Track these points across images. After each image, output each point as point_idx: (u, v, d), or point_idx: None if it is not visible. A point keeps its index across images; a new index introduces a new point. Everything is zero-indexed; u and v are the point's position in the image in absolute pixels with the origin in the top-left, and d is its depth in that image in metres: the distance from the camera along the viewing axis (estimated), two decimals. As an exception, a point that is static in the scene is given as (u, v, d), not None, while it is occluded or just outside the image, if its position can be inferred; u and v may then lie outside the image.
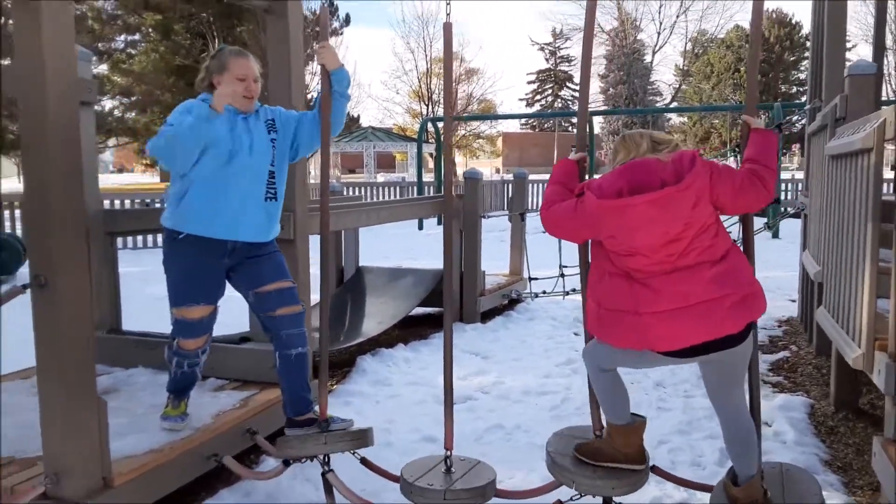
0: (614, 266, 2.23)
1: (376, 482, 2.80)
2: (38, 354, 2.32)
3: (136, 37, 30.14)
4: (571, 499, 2.47)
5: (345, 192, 11.73)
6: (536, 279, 7.30)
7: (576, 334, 5.74)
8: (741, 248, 2.34)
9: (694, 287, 2.12)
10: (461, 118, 30.62)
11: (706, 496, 2.48)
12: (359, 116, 40.73)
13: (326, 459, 2.75)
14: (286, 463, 2.82)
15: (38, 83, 2.23)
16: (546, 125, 54.54)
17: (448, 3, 2.68)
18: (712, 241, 2.17)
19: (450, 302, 2.78)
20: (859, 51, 37.68)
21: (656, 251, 2.14)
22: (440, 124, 20.21)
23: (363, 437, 2.76)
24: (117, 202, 12.62)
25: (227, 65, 2.74)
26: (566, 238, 2.41)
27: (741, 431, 2.31)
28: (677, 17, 46.22)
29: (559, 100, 58.04)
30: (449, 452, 2.62)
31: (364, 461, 2.82)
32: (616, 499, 2.48)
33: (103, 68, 28.03)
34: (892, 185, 12.83)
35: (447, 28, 2.73)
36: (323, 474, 2.73)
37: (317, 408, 2.82)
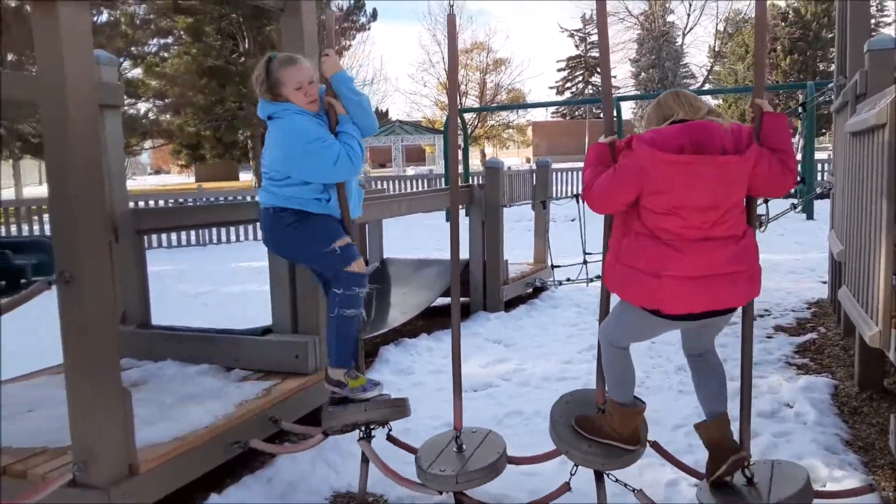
0: (644, 226, 2.28)
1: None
2: (64, 348, 2.42)
3: (169, 40, 30.66)
4: (571, 473, 2.58)
5: (372, 185, 11.85)
6: (560, 266, 7.29)
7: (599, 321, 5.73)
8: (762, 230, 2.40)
9: (720, 258, 2.21)
10: (488, 108, 30.49)
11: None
12: (387, 111, 40.88)
13: (367, 430, 2.88)
14: (325, 434, 2.95)
15: (57, 87, 2.32)
16: (577, 112, 54.04)
17: (451, 4, 2.73)
18: (740, 216, 2.28)
19: (457, 287, 2.85)
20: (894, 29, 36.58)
21: (695, 215, 2.20)
22: (468, 116, 20.19)
23: (402, 406, 2.93)
24: (151, 202, 12.91)
25: (281, 79, 2.83)
26: (609, 209, 2.43)
27: (715, 371, 2.56)
28: (708, -3, 45.33)
29: (590, 86, 57.39)
30: (458, 433, 2.70)
31: (390, 437, 2.97)
32: (618, 475, 2.58)
33: (137, 72, 28.60)
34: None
35: (451, 20, 2.78)
36: (359, 439, 2.86)
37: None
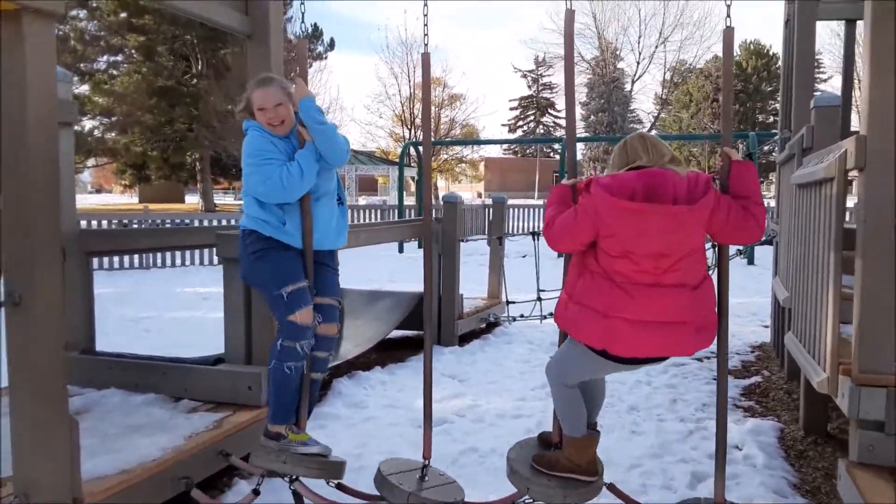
0: (600, 266, 2.31)
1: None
2: (10, 372, 2.31)
3: (119, 58, 30.11)
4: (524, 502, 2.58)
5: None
6: (514, 303, 7.34)
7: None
8: (712, 274, 2.43)
9: (670, 306, 2.22)
10: (443, 143, 30.80)
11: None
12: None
13: (295, 477, 2.78)
14: (255, 492, 2.81)
15: (18, 104, 2.24)
16: (528, 151, 55.03)
17: (426, 34, 2.76)
18: (696, 265, 2.28)
19: (430, 317, 2.84)
20: (833, 83, 38.62)
21: (647, 260, 2.22)
22: (422, 148, 20.37)
23: (337, 469, 2.81)
24: (94, 222, 12.51)
25: (251, 98, 2.88)
26: (568, 248, 2.46)
27: (602, 389, 2.72)
28: (656, 47, 47.06)
29: (541, 126, 58.68)
30: (427, 462, 2.67)
31: (340, 486, 2.86)
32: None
33: (84, 88, 27.92)
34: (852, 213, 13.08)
35: (425, 58, 2.81)
36: (290, 486, 2.78)
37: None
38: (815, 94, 4.74)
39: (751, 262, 12.83)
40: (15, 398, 2.32)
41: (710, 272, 2.41)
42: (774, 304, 5.67)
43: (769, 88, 46.54)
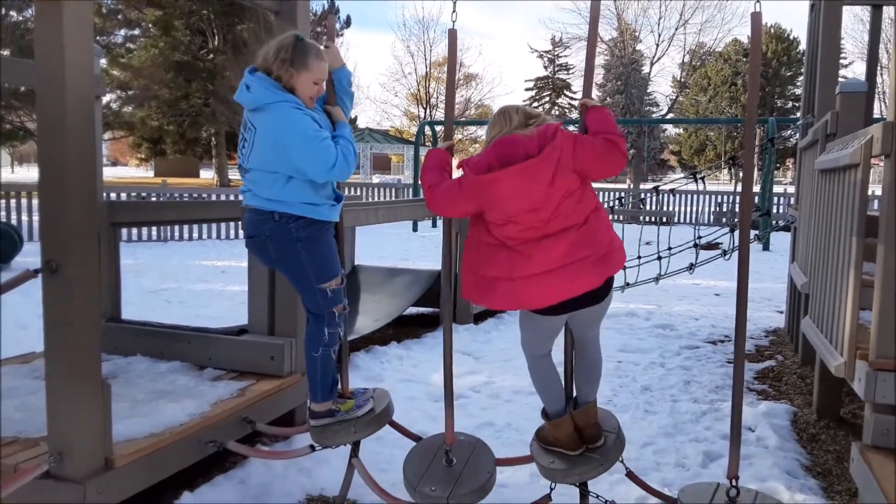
0: (491, 236, 2.41)
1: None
2: (46, 338, 2.38)
3: (136, 32, 30.17)
4: (551, 486, 2.63)
5: (345, 192, 11.83)
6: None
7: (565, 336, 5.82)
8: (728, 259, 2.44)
9: (558, 251, 2.31)
10: (458, 122, 30.67)
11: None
12: (356, 118, 40.82)
13: (356, 446, 2.88)
14: (312, 447, 2.90)
15: (57, 76, 2.30)
16: (542, 132, 54.53)
17: (454, 11, 2.77)
18: (575, 206, 2.34)
19: (448, 296, 2.88)
20: (855, 68, 38.05)
21: (525, 218, 2.32)
22: (438, 128, 20.30)
23: (386, 412, 2.96)
24: (113, 195, 12.63)
25: (309, 65, 2.64)
26: (453, 215, 2.59)
27: (591, 362, 2.66)
28: (676, 29, 46.45)
29: (556, 107, 58.25)
30: (448, 447, 2.70)
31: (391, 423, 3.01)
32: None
33: (102, 62, 27.99)
34: (877, 200, 12.96)
35: (452, 35, 2.83)
36: (352, 458, 2.87)
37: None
38: (840, 80, 4.72)
39: (766, 247, 12.78)
40: (50, 362, 2.40)
41: (727, 258, 2.43)
42: (790, 290, 5.68)
43: (789, 73, 45.94)
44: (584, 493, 2.63)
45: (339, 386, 2.97)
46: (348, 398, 2.93)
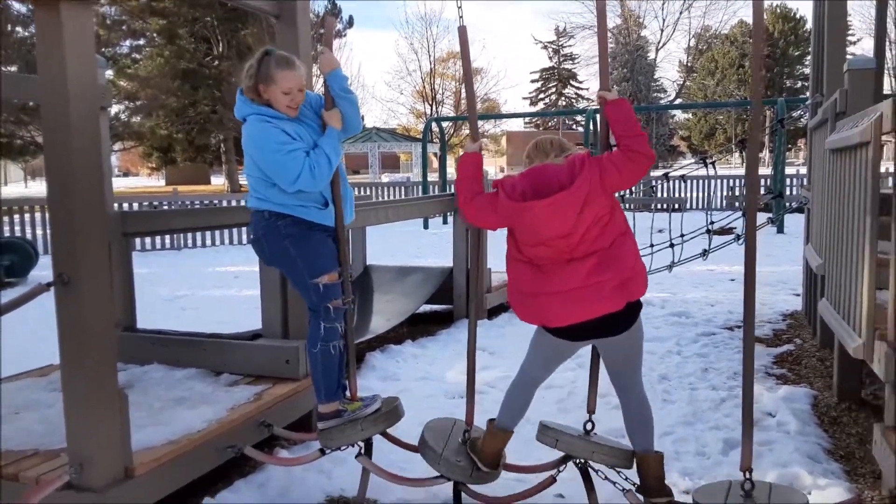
0: (521, 254, 2.52)
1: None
2: (61, 350, 2.40)
3: (141, 42, 30.34)
4: (558, 469, 2.74)
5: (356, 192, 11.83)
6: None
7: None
8: (741, 244, 2.45)
9: (581, 272, 2.39)
10: (463, 118, 30.64)
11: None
12: (363, 117, 40.85)
13: (365, 445, 2.89)
14: (322, 451, 2.90)
15: (60, 89, 2.31)
16: (550, 123, 54.55)
17: (459, 6, 2.76)
18: (602, 231, 2.42)
19: (475, 292, 2.88)
20: (864, 45, 37.60)
21: (555, 243, 2.41)
22: (445, 124, 20.27)
23: (395, 412, 2.94)
24: (125, 205, 12.73)
25: (273, 77, 2.71)
26: (486, 227, 2.74)
27: (636, 413, 2.65)
28: (680, 13, 46.28)
29: (563, 98, 58.04)
30: (468, 427, 2.82)
31: (385, 434, 3.00)
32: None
33: (108, 73, 28.18)
34: (891, 177, 12.81)
35: (462, 32, 2.82)
36: (357, 456, 2.87)
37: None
38: (848, 57, 4.66)
39: (780, 230, 12.68)
40: (67, 374, 2.42)
41: (741, 242, 2.44)
42: (806, 272, 5.62)
43: (796, 53, 45.53)
44: (587, 475, 2.69)
45: (348, 392, 2.97)
46: (356, 401, 2.93)
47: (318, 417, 2.92)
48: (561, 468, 2.73)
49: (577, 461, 2.70)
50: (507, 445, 2.79)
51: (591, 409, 2.81)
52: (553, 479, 2.71)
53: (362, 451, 2.88)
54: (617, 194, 2.55)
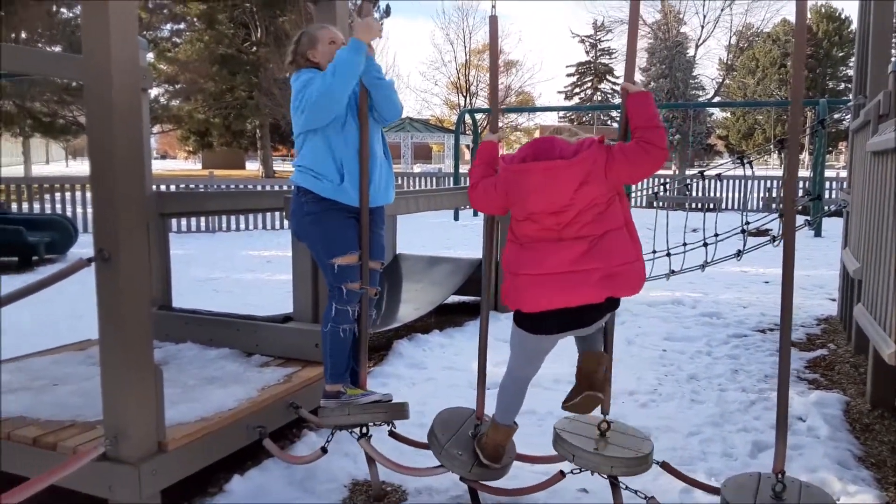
0: (513, 234, 2.46)
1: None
2: (100, 324, 2.46)
3: (182, 26, 30.69)
4: (572, 471, 2.67)
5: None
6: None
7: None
8: (634, 230, 2.41)
9: (566, 257, 2.30)
10: (505, 110, 30.53)
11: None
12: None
13: (365, 430, 2.90)
14: (323, 450, 2.93)
15: (104, 70, 2.36)
16: (585, 118, 54.10)
17: (493, 4, 2.76)
18: (595, 218, 2.32)
19: (489, 279, 2.89)
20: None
21: (546, 218, 2.34)
22: (478, 116, 20.21)
23: (400, 410, 2.92)
24: (163, 187, 12.95)
25: (316, 36, 2.98)
26: (490, 212, 2.67)
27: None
28: (722, 10, 45.40)
29: (598, 93, 57.45)
30: (479, 421, 2.82)
31: (392, 433, 3.00)
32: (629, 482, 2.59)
33: (149, 56, 28.59)
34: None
35: (493, 22, 2.81)
36: (358, 439, 2.88)
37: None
38: (893, 58, 4.55)
39: (818, 234, 12.44)
40: (105, 348, 2.48)
41: (776, 244, 2.38)
42: (843, 277, 5.52)
43: (840, 54, 44.45)
44: (615, 485, 2.61)
45: (355, 379, 3.01)
46: (359, 389, 2.96)
47: (322, 395, 2.98)
48: (574, 470, 2.67)
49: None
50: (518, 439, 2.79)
51: (604, 412, 2.77)
52: (562, 474, 2.67)
53: (360, 435, 2.89)
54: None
